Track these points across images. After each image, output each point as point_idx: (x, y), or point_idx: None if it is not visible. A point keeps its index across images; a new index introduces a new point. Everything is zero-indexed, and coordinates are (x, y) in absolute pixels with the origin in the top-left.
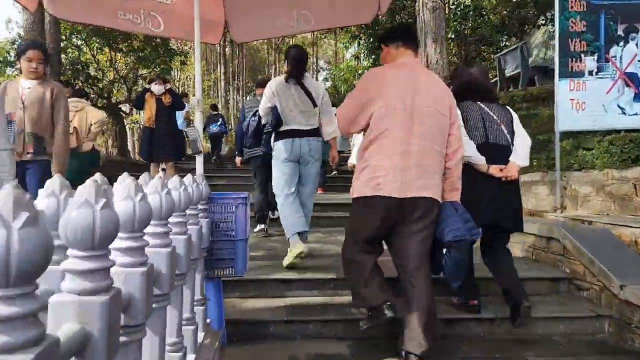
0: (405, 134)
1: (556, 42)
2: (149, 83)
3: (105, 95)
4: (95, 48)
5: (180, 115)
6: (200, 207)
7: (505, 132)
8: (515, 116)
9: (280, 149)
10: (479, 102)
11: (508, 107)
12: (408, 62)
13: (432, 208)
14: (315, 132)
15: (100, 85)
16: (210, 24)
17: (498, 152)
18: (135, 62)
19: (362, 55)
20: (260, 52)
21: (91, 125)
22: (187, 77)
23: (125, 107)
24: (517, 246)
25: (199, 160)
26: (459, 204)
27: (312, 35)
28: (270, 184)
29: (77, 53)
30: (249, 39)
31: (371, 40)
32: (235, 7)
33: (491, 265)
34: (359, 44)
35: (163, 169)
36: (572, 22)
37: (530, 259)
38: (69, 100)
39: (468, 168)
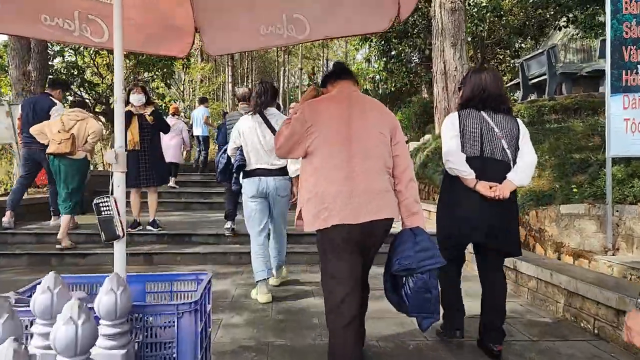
0: (346, 159)
1: (607, 50)
2: (128, 93)
3: (104, 100)
4: (91, 51)
5: (198, 122)
6: (114, 330)
7: (505, 147)
8: (524, 131)
9: (246, 187)
10: (482, 112)
11: (519, 121)
12: (344, 90)
13: (389, 229)
14: (282, 171)
15: (99, 90)
16: (174, 31)
17: (493, 167)
18: (135, 66)
19: (373, 57)
20: (269, 53)
21: (88, 135)
22: (192, 81)
23: None
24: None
25: (118, 251)
26: (420, 230)
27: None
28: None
29: (74, 56)
30: (227, 51)
31: (382, 42)
32: (207, 10)
33: (482, 289)
34: (369, 46)
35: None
36: (626, 26)
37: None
38: (71, 110)
39: (456, 181)
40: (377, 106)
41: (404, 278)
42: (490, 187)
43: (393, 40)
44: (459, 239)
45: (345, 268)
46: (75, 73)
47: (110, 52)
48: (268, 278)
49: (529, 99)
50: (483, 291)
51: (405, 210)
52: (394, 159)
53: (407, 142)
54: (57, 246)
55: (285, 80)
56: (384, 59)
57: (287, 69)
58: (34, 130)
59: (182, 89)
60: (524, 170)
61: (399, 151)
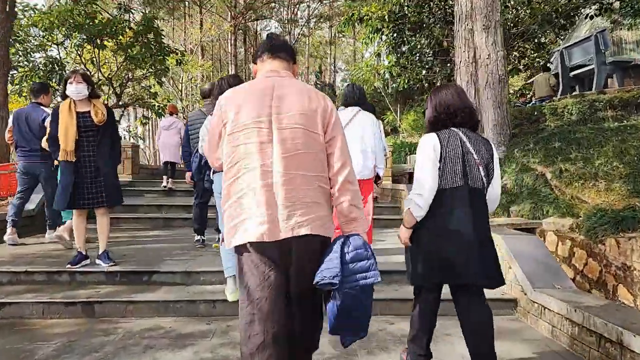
0: (265, 163)
1: None
2: (64, 83)
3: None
4: (73, 45)
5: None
6: None
7: (483, 174)
8: (496, 155)
9: (216, 182)
10: (460, 134)
11: (488, 140)
12: (269, 76)
13: (318, 249)
14: None
15: None
16: None
17: (476, 196)
18: (125, 62)
19: (384, 52)
20: None
21: None
22: (191, 79)
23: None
24: None
25: None
26: (356, 237)
27: (330, 33)
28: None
29: (56, 51)
30: None
31: (395, 35)
32: None
33: (462, 321)
34: (381, 38)
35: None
36: None
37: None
38: None
39: (431, 214)
40: (309, 94)
41: (331, 293)
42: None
43: (407, 32)
44: (426, 280)
45: (268, 297)
46: (56, 68)
47: (97, 46)
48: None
49: (572, 93)
50: (467, 323)
51: (341, 216)
52: (328, 158)
53: None
54: (55, 234)
55: None
56: (397, 54)
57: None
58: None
59: (180, 88)
60: (493, 197)
61: (332, 148)
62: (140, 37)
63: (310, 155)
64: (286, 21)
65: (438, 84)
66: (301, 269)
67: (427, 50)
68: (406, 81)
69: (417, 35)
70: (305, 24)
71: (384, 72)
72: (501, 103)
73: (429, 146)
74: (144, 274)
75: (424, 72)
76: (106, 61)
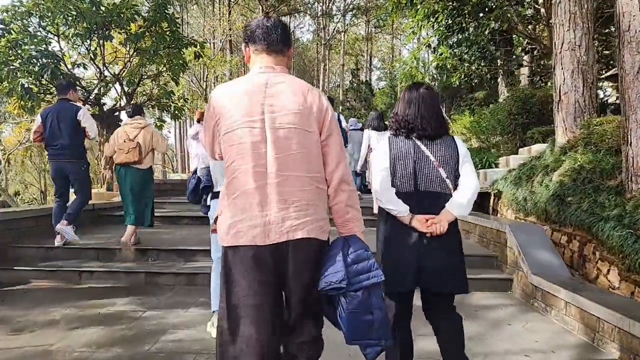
0: (258, 164)
1: None
2: None
3: (93, 99)
4: (72, 35)
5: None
6: None
7: (444, 176)
8: (464, 152)
9: (213, 208)
10: (415, 139)
11: (458, 141)
12: (262, 72)
13: (314, 253)
14: None
15: (86, 86)
16: None
17: (431, 202)
18: (136, 56)
19: (436, 41)
20: (310, 50)
21: (153, 146)
22: (216, 78)
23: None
24: None
25: None
26: (355, 239)
27: (366, 29)
28: None
29: (56, 43)
30: None
31: (451, 21)
32: None
33: (436, 334)
34: (433, 26)
35: None
36: None
37: None
38: (132, 119)
39: (387, 217)
40: (303, 90)
41: (337, 297)
42: (427, 220)
43: (467, 16)
44: (390, 287)
45: (257, 305)
46: (50, 63)
47: (103, 37)
48: None
49: None
50: (440, 337)
51: (338, 217)
52: (323, 157)
53: (490, 154)
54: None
55: (326, 79)
56: (453, 41)
57: (327, 66)
58: (109, 152)
59: (204, 87)
60: (464, 197)
61: (328, 147)
62: (152, 26)
63: (306, 155)
64: (320, 14)
65: (499, 81)
66: (297, 274)
67: (489, 38)
68: (462, 76)
69: (480, 19)
70: (341, 18)
71: (435, 66)
72: None
73: (379, 150)
74: None
75: (483, 64)
76: (115, 56)
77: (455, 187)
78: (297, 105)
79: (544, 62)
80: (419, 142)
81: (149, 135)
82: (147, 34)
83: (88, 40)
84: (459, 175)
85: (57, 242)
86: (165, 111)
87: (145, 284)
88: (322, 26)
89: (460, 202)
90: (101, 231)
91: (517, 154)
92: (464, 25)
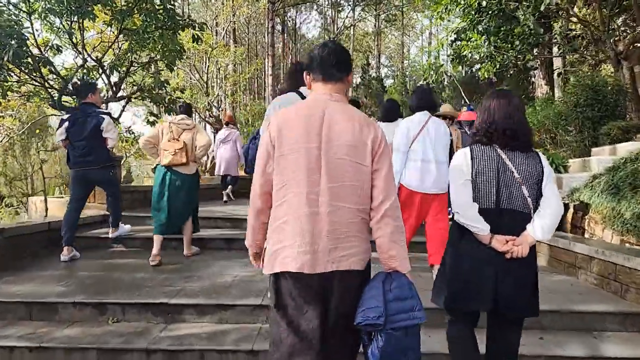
0: (312, 192)
1: None
2: None
3: (71, 89)
4: (42, 10)
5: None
6: None
7: (526, 194)
8: (548, 172)
9: None
10: (498, 150)
11: (542, 158)
12: (319, 99)
13: (356, 284)
14: None
15: (65, 75)
16: None
17: (512, 221)
18: (125, 38)
19: (469, 29)
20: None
21: (196, 147)
22: (220, 69)
23: (112, 109)
24: None
25: None
26: (398, 275)
27: (376, 23)
28: None
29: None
30: None
31: (485, 1)
32: None
33: (490, 346)
34: (463, 11)
35: None
36: None
37: None
38: (179, 118)
39: (465, 231)
40: (359, 124)
41: (372, 334)
42: (507, 242)
43: None
44: (460, 304)
45: (304, 330)
46: (13, 43)
47: (80, 14)
48: None
49: None
50: (488, 346)
51: (381, 252)
52: (372, 190)
53: (555, 154)
54: (185, 253)
55: None
56: (489, 25)
57: None
58: (146, 147)
59: (205, 79)
60: (547, 221)
61: (377, 180)
62: (140, 2)
63: (356, 188)
64: (329, 6)
65: (536, 73)
66: (339, 305)
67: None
68: (497, 66)
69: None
70: (350, 12)
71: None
72: None
73: (458, 161)
74: None
75: (526, 49)
76: (99, 40)
77: (536, 207)
78: (353, 136)
79: (592, 49)
80: (503, 156)
81: (193, 137)
82: (136, 11)
83: (63, 17)
84: (541, 195)
85: (64, 256)
86: (159, 104)
87: None
88: (330, 20)
89: (543, 226)
90: (47, 265)
91: (588, 154)
92: (502, 6)
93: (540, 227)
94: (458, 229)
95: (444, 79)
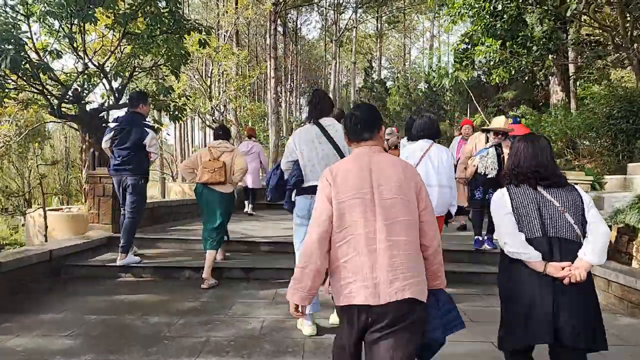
0: (369, 231)
1: None
2: None
3: (71, 96)
4: (40, 13)
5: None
6: None
7: (572, 221)
8: (587, 200)
9: (298, 204)
10: (537, 188)
11: (579, 189)
12: (361, 152)
13: (413, 310)
14: None
15: (65, 80)
16: None
17: (562, 247)
18: (128, 43)
19: (483, 34)
20: (316, 48)
21: (234, 171)
22: (223, 73)
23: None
24: None
25: None
26: (441, 291)
27: (378, 25)
28: None
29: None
30: None
31: (500, 4)
32: None
33: None
34: (477, 14)
35: None
36: None
37: None
38: (218, 142)
39: (516, 263)
40: (402, 167)
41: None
42: (563, 269)
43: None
44: (518, 340)
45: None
46: (10, 48)
47: (82, 17)
48: (313, 312)
49: None
50: None
51: (432, 275)
52: (421, 225)
53: (588, 170)
54: (203, 286)
55: (336, 78)
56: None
57: (337, 63)
58: (186, 170)
59: (209, 84)
60: (598, 243)
61: (425, 217)
62: (145, 4)
63: (408, 223)
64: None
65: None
66: (394, 332)
67: (555, 26)
68: (511, 72)
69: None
70: (352, 14)
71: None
72: None
73: (497, 198)
74: None
75: (543, 54)
76: (101, 43)
77: (584, 234)
78: (399, 178)
79: (613, 55)
80: (539, 189)
81: (232, 160)
82: (140, 14)
83: (63, 21)
84: (586, 222)
85: (120, 261)
86: (163, 111)
87: None
88: (332, 22)
89: (594, 249)
90: (49, 305)
91: (623, 169)
92: (520, 10)
93: (592, 250)
94: (507, 261)
95: (445, 83)
